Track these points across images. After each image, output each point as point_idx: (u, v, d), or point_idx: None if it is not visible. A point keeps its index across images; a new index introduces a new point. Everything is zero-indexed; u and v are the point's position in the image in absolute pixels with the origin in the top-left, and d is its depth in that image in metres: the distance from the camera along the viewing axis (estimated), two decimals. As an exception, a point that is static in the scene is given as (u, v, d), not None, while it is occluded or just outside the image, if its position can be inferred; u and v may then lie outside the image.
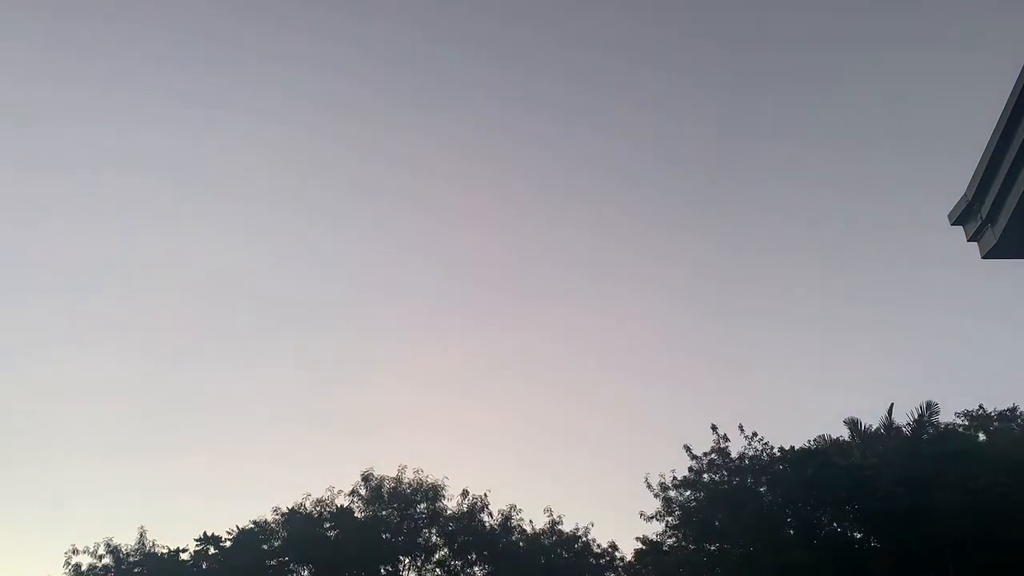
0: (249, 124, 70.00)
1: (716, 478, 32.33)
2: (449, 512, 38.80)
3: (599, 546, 39.60)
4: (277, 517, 38.82)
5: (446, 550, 38.64)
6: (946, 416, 32.09)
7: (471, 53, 73.76)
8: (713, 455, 32.69)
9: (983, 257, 8.76)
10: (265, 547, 38.00)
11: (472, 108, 72.73)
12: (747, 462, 32.18)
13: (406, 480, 38.87)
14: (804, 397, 61.98)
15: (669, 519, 33.01)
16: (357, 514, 38.32)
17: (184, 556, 38.62)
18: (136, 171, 67.51)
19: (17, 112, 64.91)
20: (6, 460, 58.82)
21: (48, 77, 65.58)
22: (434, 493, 38.79)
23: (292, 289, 71.88)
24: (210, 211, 70.23)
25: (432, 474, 39.26)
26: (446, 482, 39.17)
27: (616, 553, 39.54)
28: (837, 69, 69.30)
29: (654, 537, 34.19)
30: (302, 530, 37.29)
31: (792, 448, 31.52)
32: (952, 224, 9.13)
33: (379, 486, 38.66)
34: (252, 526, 38.64)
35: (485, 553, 38.33)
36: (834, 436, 34.03)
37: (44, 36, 63.47)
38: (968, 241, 8.96)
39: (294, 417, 63.65)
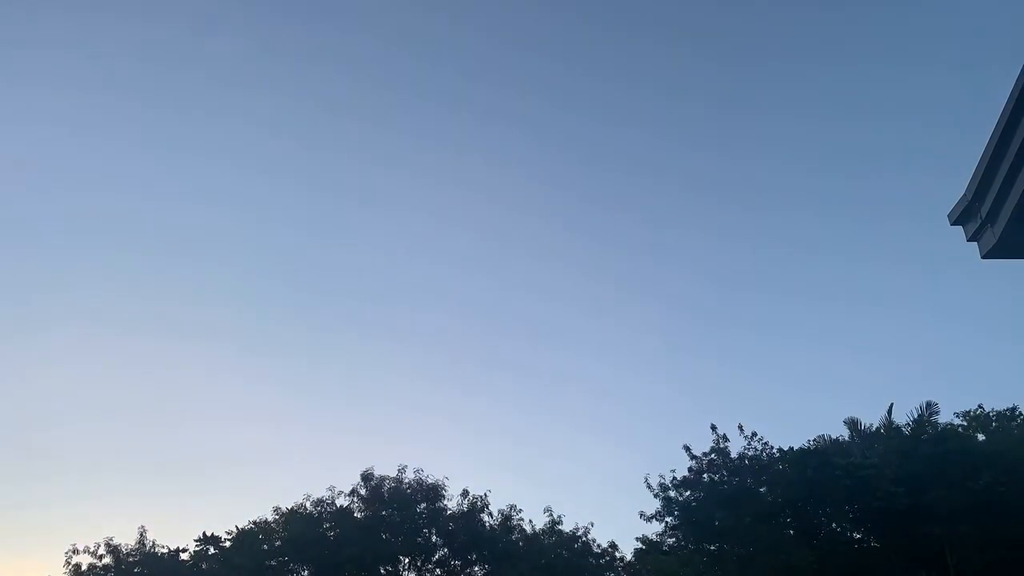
0: (240, 128, 69.85)
1: (716, 478, 32.27)
2: (449, 512, 38.82)
3: (599, 546, 39.69)
4: (277, 517, 38.87)
5: (446, 550, 38.65)
6: (946, 416, 32.11)
7: (475, 47, 73.61)
8: (713, 455, 32.63)
9: (983, 257, 8.78)
10: (265, 547, 38.05)
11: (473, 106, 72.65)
12: (747, 462, 32.11)
13: (406, 480, 38.91)
14: (804, 397, 62.04)
15: (669, 519, 32.95)
16: (357, 514, 38.33)
17: (184, 556, 38.72)
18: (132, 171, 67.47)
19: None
20: (6, 460, 58.88)
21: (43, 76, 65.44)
22: (434, 493, 38.80)
23: (292, 287, 71.92)
24: (209, 210, 70.15)
25: (432, 474, 39.35)
26: (446, 482, 39.24)
27: (616, 553, 39.68)
28: (837, 66, 69.32)
29: (654, 537, 34.19)
30: (302, 530, 37.32)
31: (792, 448, 31.47)
32: (952, 224, 9.15)
33: (379, 486, 38.68)
34: (252, 526, 38.70)
35: (485, 553, 38.34)
36: (834, 436, 34.03)
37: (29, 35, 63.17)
38: (968, 241, 8.98)
39: (294, 416, 63.66)
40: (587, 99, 73.66)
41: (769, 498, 31.12)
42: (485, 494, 39.33)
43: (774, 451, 31.97)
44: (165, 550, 38.85)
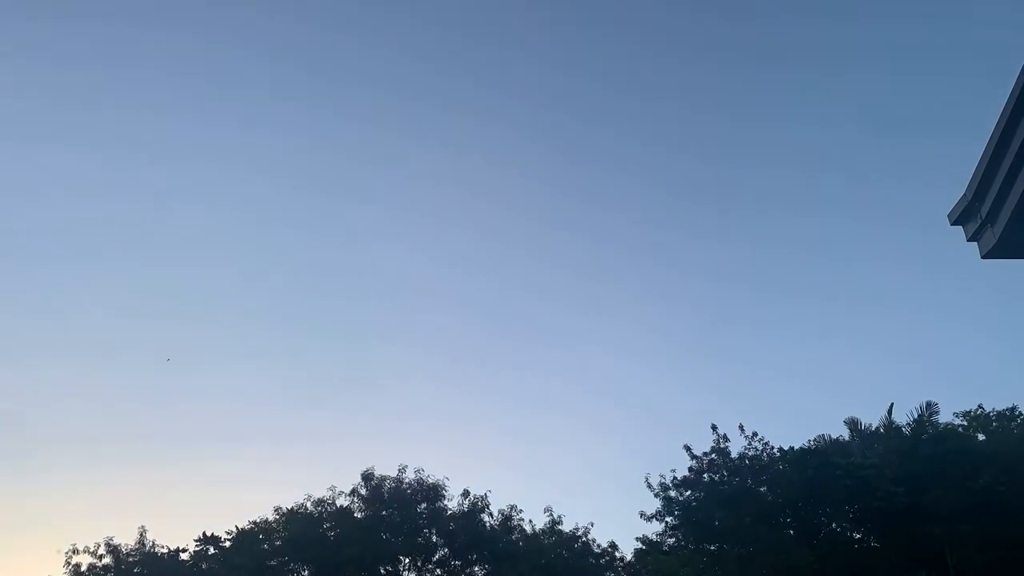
0: (241, 128, 69.76)
1: (716, 478, 32.27)
2: (449, 512, 38.80)
3: (599, 546, 39.67)
4: (277, 517, 38.85)
5: (446, 550, 38.64)
6: (945, 416, 32.11)
7: (472, 46, 73.59)
8: (713, 455, 32.64)
9: (983, 257, 8.80)
10: (265, 547, 38.03)
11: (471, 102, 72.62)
12: (747, 462, 32.12)
13: (407, 480, 38.88)
14: (804, 397, 62.05)
15: (669, 519, 32.96)
16: (357, 514, 38.31)
17: (184, 556, 38.70)
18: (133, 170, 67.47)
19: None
20: (6, 460, 58.87)
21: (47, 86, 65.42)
22: (434, 493, 38.78)
23: (292, 286, 71.91)
24: (207, 211, 70.10)
25: (433, 474, 39.33)
26: (447, 482, 39.22)
27: (616, 553, 39.65)
28: (839, 68, 69.32)
29: (654, 537, 34.19)
30: (302, 530, 37.31)
31: (792, 448, 31.50)
32: (952, 224, 9.16)
33: (379, 486, 38.65)
34: (252, 526, 38.69)
35: (485, 553, 38.33)
36: (834, 436, 34.07)
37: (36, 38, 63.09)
38: (968, 241, 8.99)
39: (295, 416, 63.67)
40: (589, 102, 73.67)
41: (769, 498, 31.13)
42: (485, 494, 39.37)
43: (774, 451, 31.98)
44: (165, 550, 38.83)
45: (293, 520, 38.03)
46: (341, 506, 38.51)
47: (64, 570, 37.80)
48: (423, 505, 38.57)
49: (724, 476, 32.20)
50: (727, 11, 69.93)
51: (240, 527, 38.72)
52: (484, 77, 74.44)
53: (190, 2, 66.66)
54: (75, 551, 38.05)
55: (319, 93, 70.44)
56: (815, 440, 33.36)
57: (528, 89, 73.57)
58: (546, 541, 39.12)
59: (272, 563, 37.54)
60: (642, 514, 33.31)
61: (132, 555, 38.29)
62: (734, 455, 32.39)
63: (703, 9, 71.47)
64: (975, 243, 8.91)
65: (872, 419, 34.23)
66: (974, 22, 63.60)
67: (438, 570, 38.56)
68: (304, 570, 38.04)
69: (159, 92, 67.61)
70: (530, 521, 39.76)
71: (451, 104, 72.58)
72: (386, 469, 39.31)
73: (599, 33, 71.95)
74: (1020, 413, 31.96)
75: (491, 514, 39.29)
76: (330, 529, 37.75)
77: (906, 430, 31.62)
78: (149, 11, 65.03)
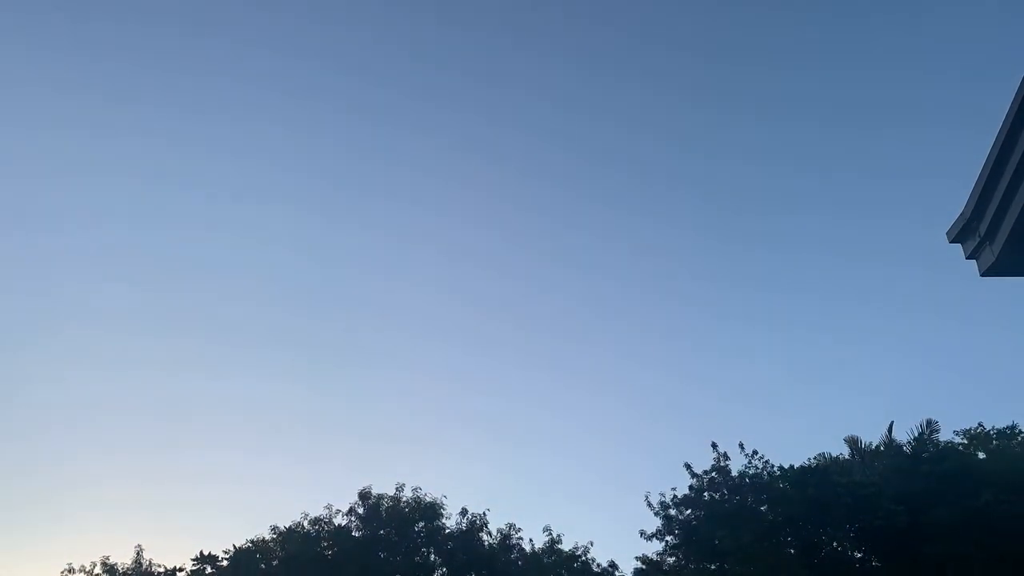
0: (242, 121, 69.40)
1: (716, 496, 32.17)
2: (448, 531, 38.59)
3: (599, 565, 39.35)
4: (274, 536, 38.62)
5: (444, 569, 38.39)
6: (946, 434, 32.02)
7: (476, 41, 73.60)
8: (713, 473, 32.56)
9: (982, 275, 8.76)
10: (263, 567, 37.81)
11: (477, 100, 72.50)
12: (747, 480, 32.03)
13: (404, 498, 38.68)
14: (804, 415, 61.85)
15: (669, 538, 32.82)
16: (355, 533, 38.10)
17: (181, 575, 38.49)
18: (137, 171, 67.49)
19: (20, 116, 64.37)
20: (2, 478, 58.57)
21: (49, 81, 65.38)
22: (432, 511, 38.56)
23: (290, 294, 71.70)
24: (202, 214, 69.69)
25: (431, 492, 39.14)
26: (445, 500, 39.03)
27: (616, 572, 39.33)
28: (840, 81, 69.47)
29: (654, 556, 34.00)
30: (300, 549, 37.10)
31: (792, 466, 31.41)
32: (951, 242, 9.13)
33: (377, 504, 38.47)
34: (249, 545, 38.47)
35: (484, 572, 38.08)
36: (834, 454, 33.98)
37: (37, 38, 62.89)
38: (967, 259, 8.95)
39: (291, 433, 63.41)
40: (599, 101, 73.13)
41: (770, 517, 31.00)
42: (484, 512, 39.13)
43: (775, 469, 31.90)
44: (162, 569, 38.65)
45: (290, 539, 37.82)
46: (338, 525, 38.30)
47: (59, 590, 37.61)
48: (421, 524, 38.34)
49: (724, 494, 32.09)
50: (736, 7, 69.34)
51: (237, 546, 38.52)
52: (496, 75, 73.65)
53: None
54: (71, 571, 37.90)
55: (326, 88, 69.80)
56: (816, 458, 33.30)
57: (540, 90, 72.76)
58: (545, 560, 38.86)
59: (269, 583, 37.32)
60: (642, 533, 33.24)
61: (129, 574, 38.10)
62: (734, 473, 32.32)
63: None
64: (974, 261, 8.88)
65: (872, 437, 34.18)
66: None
67: (436, 589, 38.31)
68: (301, 590, 37.79)
69: (167, 91, 67.25)
70: (529, 540, 39.55)
71: (462, 101, 71.96)
72: (384, 487, 39.18)
73: (614, 30, 71.26)
74: (1020, 431, 31.85)
75: (490, 533, 39.09)
76: (327, 548, 37.53)
77: (906, 448, 31.54)
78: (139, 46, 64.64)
